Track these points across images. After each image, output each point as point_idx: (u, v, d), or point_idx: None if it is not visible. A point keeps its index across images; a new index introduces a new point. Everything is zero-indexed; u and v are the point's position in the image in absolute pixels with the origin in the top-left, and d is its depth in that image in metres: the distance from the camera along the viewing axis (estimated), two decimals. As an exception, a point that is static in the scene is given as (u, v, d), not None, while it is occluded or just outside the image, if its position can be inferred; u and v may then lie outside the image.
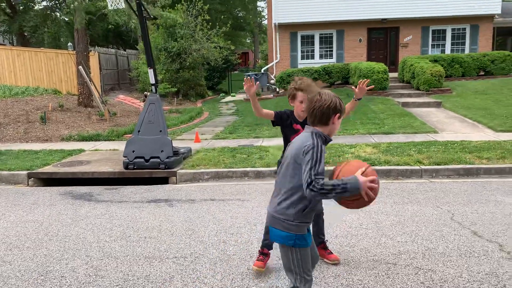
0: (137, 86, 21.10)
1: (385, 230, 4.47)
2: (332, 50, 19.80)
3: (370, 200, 2.30)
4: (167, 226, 4.83)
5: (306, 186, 2.21)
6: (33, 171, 7.36)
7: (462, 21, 19.05)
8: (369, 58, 19.35)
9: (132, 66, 20.93)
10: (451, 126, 10.16)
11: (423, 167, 6.77)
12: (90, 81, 14.00)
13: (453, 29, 19.37)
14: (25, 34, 24.02)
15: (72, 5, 12.24)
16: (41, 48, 19.77)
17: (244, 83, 3.30)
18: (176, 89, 18.52)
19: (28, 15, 20.10)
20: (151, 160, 7.21)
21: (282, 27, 19.48)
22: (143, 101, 14.31)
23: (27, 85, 17.19)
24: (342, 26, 19.34)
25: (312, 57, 19.88)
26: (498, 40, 22.48)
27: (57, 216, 5.31)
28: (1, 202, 6.08)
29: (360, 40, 19.55)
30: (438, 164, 6.81)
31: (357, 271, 3.57)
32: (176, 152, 7.54)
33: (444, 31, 19.40)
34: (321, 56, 19.84)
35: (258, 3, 43.35)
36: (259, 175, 6.96)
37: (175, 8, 18.26)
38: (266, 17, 27.10)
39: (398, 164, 6.90)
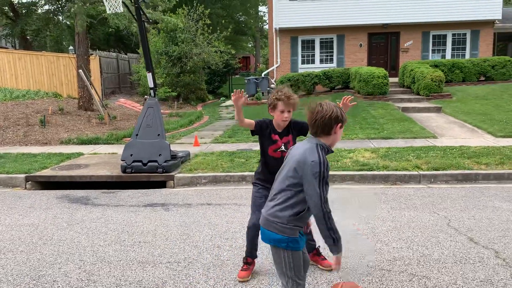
0: (138, 89, 21.14)
1: (380, 236, 4.44)
2: (332, 55, 19.82)
3: None
4: (162, 230, 4.81)
5: (320, 203, 2.32)
6: (31, 174, 7.36)
7: (462, 27, 19.05)
8: (369, 63, 19.35)
9: (133, 70, 20.97)
10: (450, 131, 10.13)
11: (421, 172, 6.73)
12: (90, 84, 14.03)
13: (453, 34, 19.37)
14: (28, 37, 24.09)
15: (72, 8, 12.27)
16: (42, 52, 19.83)
17: (232, 94, 3.27)
18: (176, 93, 18.53)
19: (30, 19, 20.13)
20: (149, 164, 7.20)
21: (282, 31, 19.52)
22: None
23: (28, 88, 17.25)
24: (342, 31, 19.37)
25: (313, 61, 19.90)
26: (498, 45, 22.51)
27: (53, 220, 5.30)
28: (-2, 205, 6.07)
29: (360, 45, 19.57)
30: (436, 170, 6.78)
31: (351, 278, 3.55)
32: (174, 156, 7.53)
33: (445, 36, 19.40)
34: (321, 61, 19.86)
35: (260, 8, 43.53)
36: (256, 180, 6.92)
37: (176, 12, 18.33)
38: (267, 21, 27.13)
39: (396, 169, 6.87)
